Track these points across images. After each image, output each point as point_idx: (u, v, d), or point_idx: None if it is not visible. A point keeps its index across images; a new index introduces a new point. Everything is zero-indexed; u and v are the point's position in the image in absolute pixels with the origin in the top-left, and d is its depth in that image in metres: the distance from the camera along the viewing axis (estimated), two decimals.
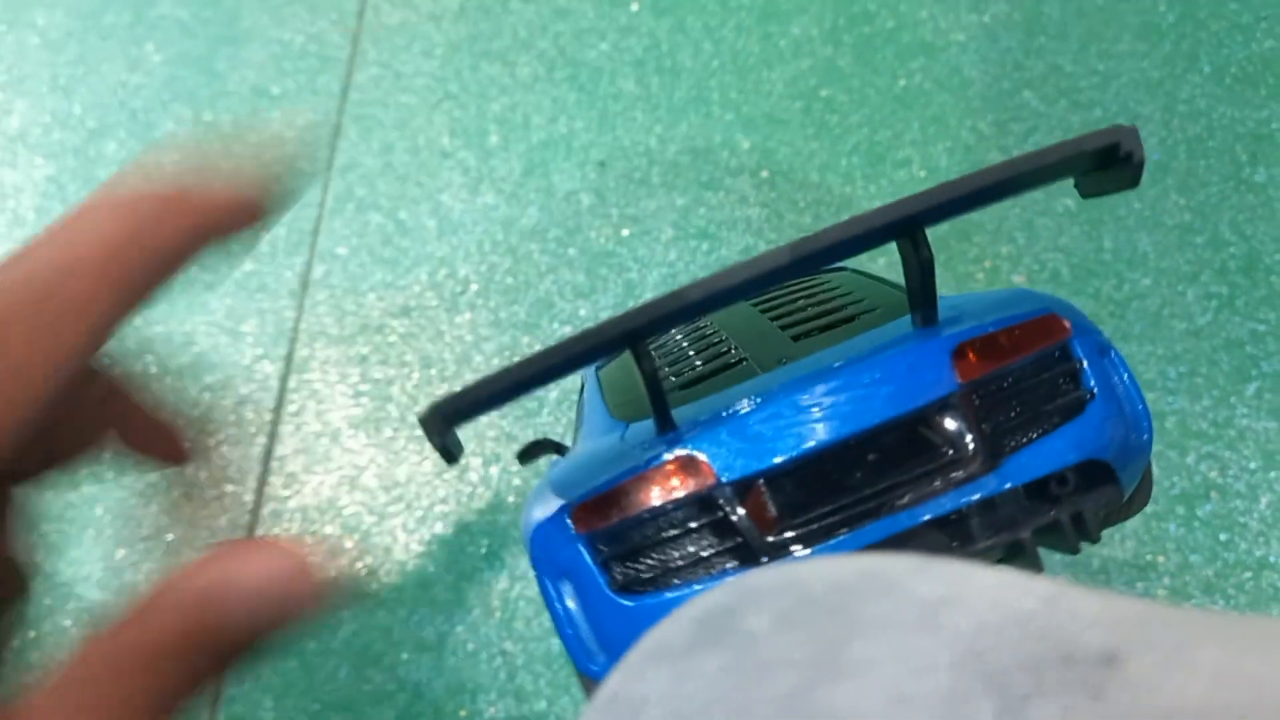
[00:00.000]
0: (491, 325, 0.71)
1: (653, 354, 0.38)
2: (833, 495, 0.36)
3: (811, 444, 0.35)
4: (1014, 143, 0.75)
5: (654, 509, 0.36)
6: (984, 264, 0.73)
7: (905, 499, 0.35)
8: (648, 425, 0.40)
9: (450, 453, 0.35)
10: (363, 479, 0.69)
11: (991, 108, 0.76)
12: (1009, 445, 0.36)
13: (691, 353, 0.48)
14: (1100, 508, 0.38)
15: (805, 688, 0.21)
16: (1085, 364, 0.37)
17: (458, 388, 0.33)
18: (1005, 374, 0.37)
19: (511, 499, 0.69)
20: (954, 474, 0.35)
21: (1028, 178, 0.36)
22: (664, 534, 0.36)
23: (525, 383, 0.35)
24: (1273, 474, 0.68)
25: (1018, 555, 0.38)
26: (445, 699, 0.65)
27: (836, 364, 0.37)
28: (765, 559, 0.35)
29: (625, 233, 0.74)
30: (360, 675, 0.66)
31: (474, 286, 0.73)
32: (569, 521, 0.37)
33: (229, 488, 0.69)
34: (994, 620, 0.20)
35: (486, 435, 0.70)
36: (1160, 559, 0.67)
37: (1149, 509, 0.67)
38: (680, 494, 0.36)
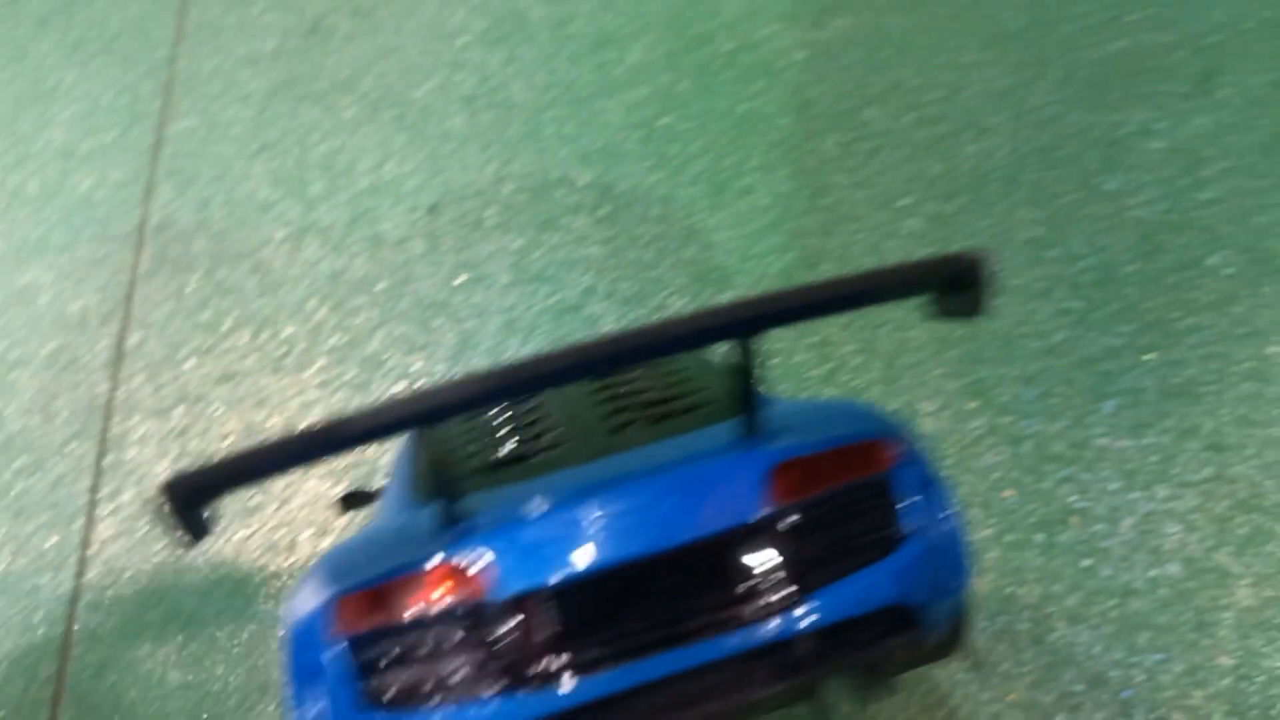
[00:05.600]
0: (320, 387, 0.68)
1: (441, 439, 0.35)
2: (617, 620, 0.32)
3: (600, 562, 0.32)
4: (859, 163, 0.72)
5: (419, 617, 0.33)
6: None
7: (693, 632, 0.32)
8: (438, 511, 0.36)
9: (194, 529, 0.32)
10: (188, 561, 0.65)
11: (835, 128, 0.73)
12: (811, 581, 0.33)
13: (505, 431, 0.44)
14: (897, 656, 0.35)
15: None
16: (903, 501, 0.34)
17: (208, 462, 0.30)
18: (818, 502, 0.33)
19: None
20: (750, 609, 0.32)
21: (867, 296, 0.33)
22: (429, 645, 0.33)
23: (285, 460, 0.31)
24: (1133, 495, 0.66)
25: (807, 698, 0.35)
26: None
27: (643, 473, 0.34)
28: (535, 684, 0.32)
29: (460, 280, 0.70)
30: None
31: (300, 346, 0.69)
32: (331, 618, 0.34)
33: (43, 580, 0.65)
34: None
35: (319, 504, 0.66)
36: (1021, 591, 0.64)
37: (1008, 538, 0.65)
38: (446, 604, 0.32)
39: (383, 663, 0.33)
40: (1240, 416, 0.67)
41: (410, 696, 0.33)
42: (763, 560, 0.33)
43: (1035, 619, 0.63)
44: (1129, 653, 0.63)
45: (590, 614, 0.33)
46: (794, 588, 0.33)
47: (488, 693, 0.32)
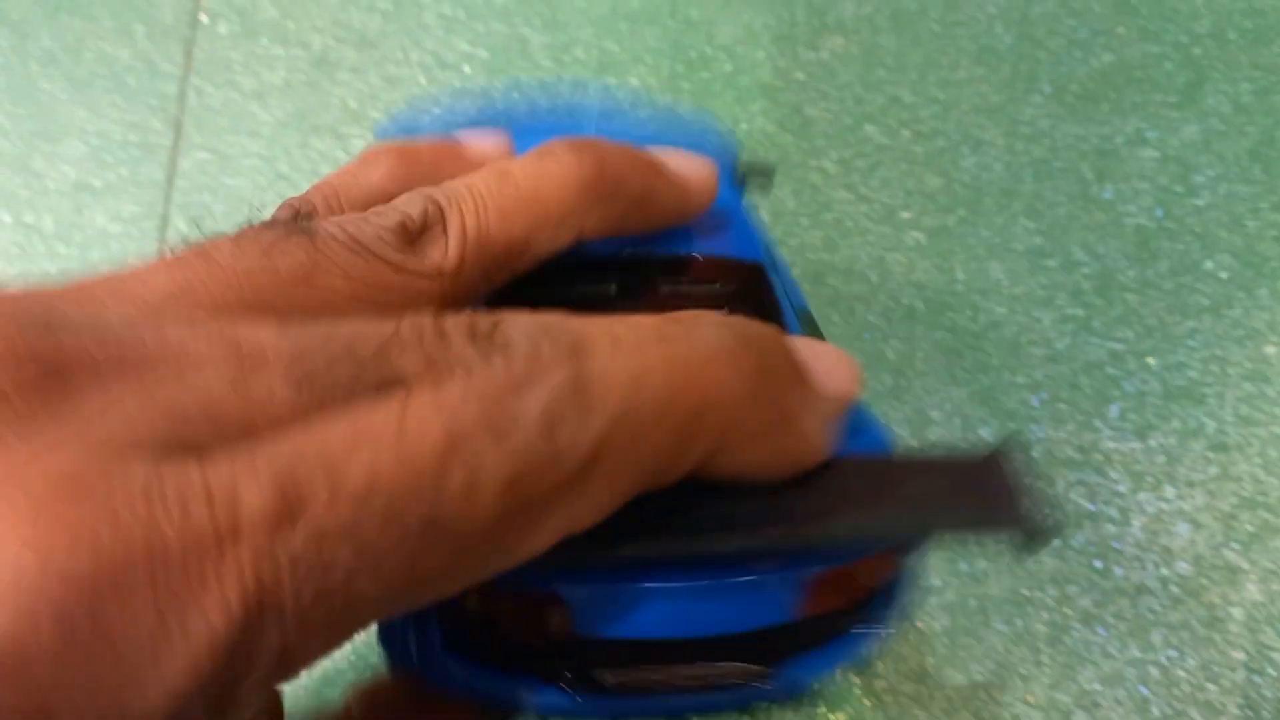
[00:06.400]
0: None
1: None
2: (658, 669, 0.35)
3: (657, 631, 0.34)
4: (859, 179, 0.74)
5: (503, 617, 0.35)
6: (839, 305, 0.71)
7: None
8: None
9: None
10: None
11: (835, 145, 0.75)
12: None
13: None
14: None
15: None
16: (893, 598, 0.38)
17: None
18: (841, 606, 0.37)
19: None
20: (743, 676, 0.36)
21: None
22: (511, 629, 0.36)
23: None
24: (1142, 495, 0.67)
25: None
26: None
27: (695, 576, 0.37)
28: (585, 695, 0.35)
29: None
30: None
31: None
32: None
33: None
34: None
35: None
36: (1037, 594, 0.66)
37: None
38: (532, 623, 0.35)
39: (469, 625, 0.36)
40: (1242, 416, 0.69)
41: (489, 656, 0.36)
42: (774, 644, 0.37)
43: (1051, 621, 0.65)
44: (1144, 651, 0.64)
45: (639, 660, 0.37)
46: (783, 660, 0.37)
47: (556, 682, 0.35)
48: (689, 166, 0.33)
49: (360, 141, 0.76)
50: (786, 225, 0.73)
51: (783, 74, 0.77)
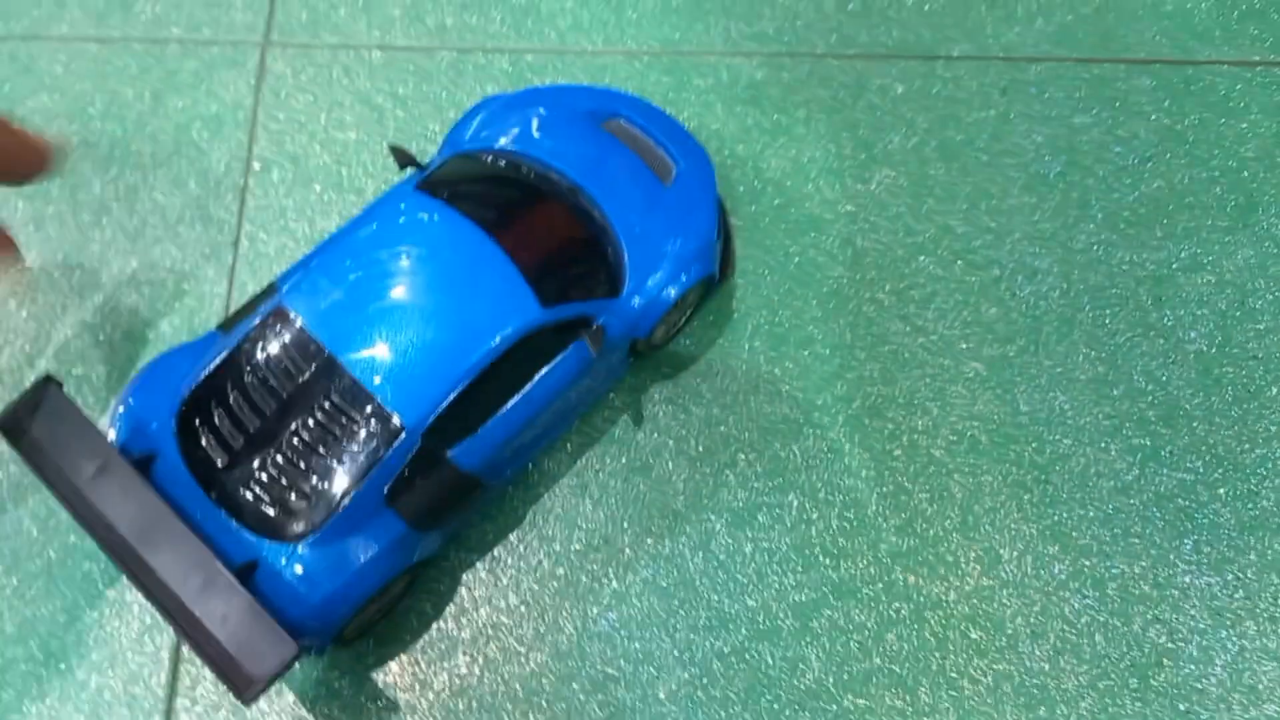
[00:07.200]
0: None
1: None
2: None
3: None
4: (915, 310, 0.73)
5: None
6: (900, 440, 0.70)
7: None
8: None
9: None
10: None
11: (888, 277, 0.75)
12: None
13: None
14: None
15: None
16: None
17: None
18: None
19: None
20: None
21: None
22: None
23: None
24: (1223, 633, 0.65)
25: None
26: None
27: None
28: None
29: None
30: None
31: None
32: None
33: None
34: None
35: None
36: None
37: (1102, 684, 0.64)
38: None
39: None
40: None
41: None
42: None
43: None
44: None
45: None
46: None
47: None
48: None
49: None
50: (843, 358, 0.72)
51: (831, 206, 0.77)
